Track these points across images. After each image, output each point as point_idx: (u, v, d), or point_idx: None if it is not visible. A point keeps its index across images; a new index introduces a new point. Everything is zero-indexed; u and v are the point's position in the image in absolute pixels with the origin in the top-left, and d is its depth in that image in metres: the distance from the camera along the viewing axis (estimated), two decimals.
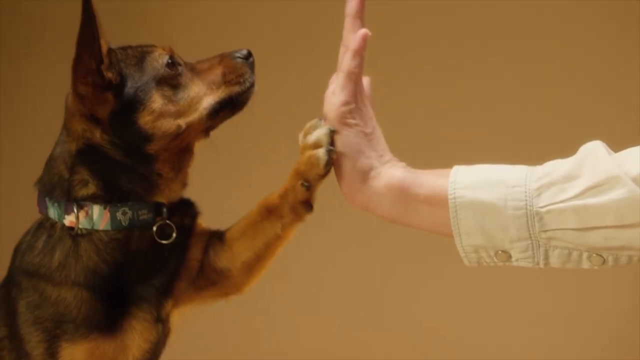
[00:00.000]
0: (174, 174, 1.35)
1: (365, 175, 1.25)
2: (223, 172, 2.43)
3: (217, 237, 1.41)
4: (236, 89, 1.36)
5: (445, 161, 1.25)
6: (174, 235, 1.34)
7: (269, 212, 1.36)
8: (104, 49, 1.29)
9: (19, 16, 2.80)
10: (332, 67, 1.29)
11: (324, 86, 1.30)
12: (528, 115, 2.61)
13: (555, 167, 1.15)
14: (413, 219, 1.23)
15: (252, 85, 1.38)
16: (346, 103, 1.25)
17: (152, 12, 2.76)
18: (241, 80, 1.37)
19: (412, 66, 2.65)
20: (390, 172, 1.24)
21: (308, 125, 1.30)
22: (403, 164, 1.26)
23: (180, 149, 1.35)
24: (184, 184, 1.38)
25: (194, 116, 1.33)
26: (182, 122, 1.32)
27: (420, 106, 2.65)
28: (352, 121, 1.26)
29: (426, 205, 1.21)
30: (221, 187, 2.46)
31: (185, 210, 1.39)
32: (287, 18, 2.72)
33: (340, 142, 1.26)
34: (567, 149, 1.19)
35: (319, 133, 1.28)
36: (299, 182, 1.32)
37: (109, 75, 1.30)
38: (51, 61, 2.65)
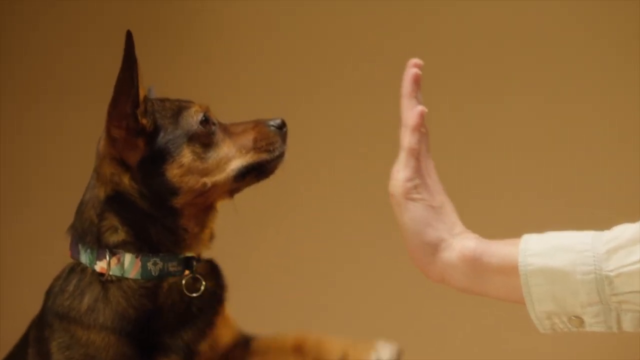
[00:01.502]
0: (199, 229, 1.38)
1: (435, 248, 1.25)
2: (243, 232, 2.45)
3: (242, 344, 1.43)
4: (264, 156, 1.39)
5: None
6: (202, 288, 1.37)
7: (298, 350, 1.39)
8: (141, 94, 1.33)
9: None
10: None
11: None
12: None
13: (623, 231, 1.15)
14: (488, 289, 1.23)
15: (281, 154, 1.40)
16: (410, 179, 1.26)
17: (189, 67, 2.79)
18: (271, 148, 1.40)
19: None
20: (462, 243, 1.24)
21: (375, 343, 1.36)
22: (475, 235, 1.26)
23: (205, 206, 1.38)
24: (211, 237, 1.41)
25: (220, 176, 1.36)
26: (208, 180, 1.35)
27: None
28: (417, 196, 1.26)
29: (499, 274, 1.21)
30: (241, 247, 2.46)
31: (217, 278, 1.42)
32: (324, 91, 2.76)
33: (408, 217, 1.26)
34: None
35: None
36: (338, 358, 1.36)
37: (144, 121, 1.33)
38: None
